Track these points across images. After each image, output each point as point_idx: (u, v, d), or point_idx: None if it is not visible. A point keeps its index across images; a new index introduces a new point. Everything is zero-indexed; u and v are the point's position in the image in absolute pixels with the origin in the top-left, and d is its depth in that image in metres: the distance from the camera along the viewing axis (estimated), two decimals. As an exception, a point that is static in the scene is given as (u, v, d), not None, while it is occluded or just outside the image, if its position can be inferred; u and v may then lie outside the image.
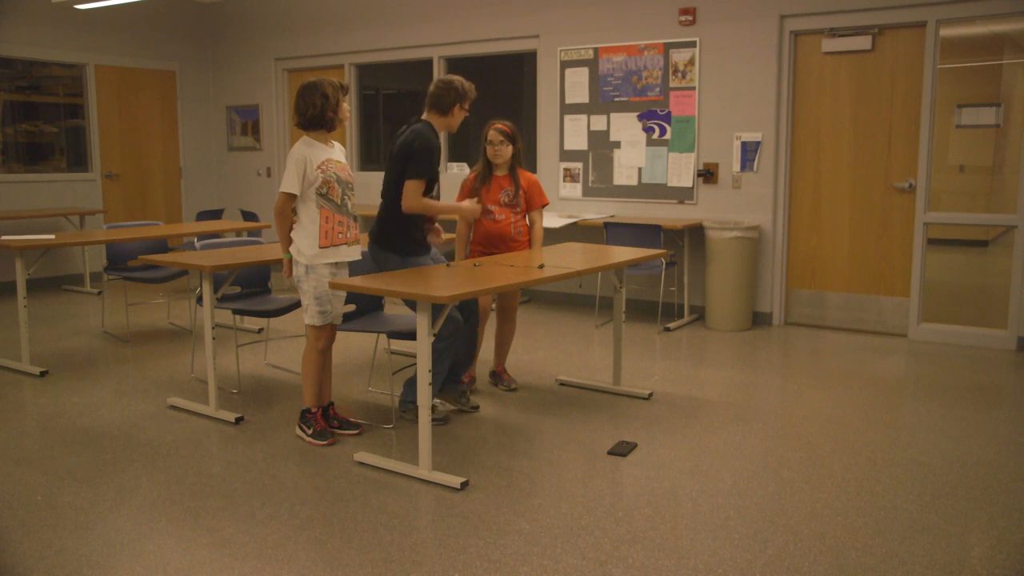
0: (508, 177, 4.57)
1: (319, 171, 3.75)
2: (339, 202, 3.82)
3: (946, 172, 6.01)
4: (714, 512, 3.16)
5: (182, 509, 3.20)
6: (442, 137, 8.11)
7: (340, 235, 3.83)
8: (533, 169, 7.27)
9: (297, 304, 4.60)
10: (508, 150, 4.51)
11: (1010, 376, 5.05)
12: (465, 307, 4.12)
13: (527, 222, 4.67)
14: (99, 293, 7.71)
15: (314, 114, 3.78)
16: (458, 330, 3.99)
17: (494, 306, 4.81)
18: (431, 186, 4.06)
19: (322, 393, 4.02)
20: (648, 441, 3.90)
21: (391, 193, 4.06)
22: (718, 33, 6.35)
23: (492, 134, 4.49)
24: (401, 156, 4.04)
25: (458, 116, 4.16)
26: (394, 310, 4.81)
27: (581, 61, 6.98)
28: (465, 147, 8.04)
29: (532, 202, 4.65)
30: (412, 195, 3.98)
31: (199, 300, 4.40)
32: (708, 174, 6.48)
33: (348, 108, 3.90)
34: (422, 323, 3.37)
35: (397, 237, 4.07)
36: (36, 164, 8.39)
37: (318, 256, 3.79)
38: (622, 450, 3.74)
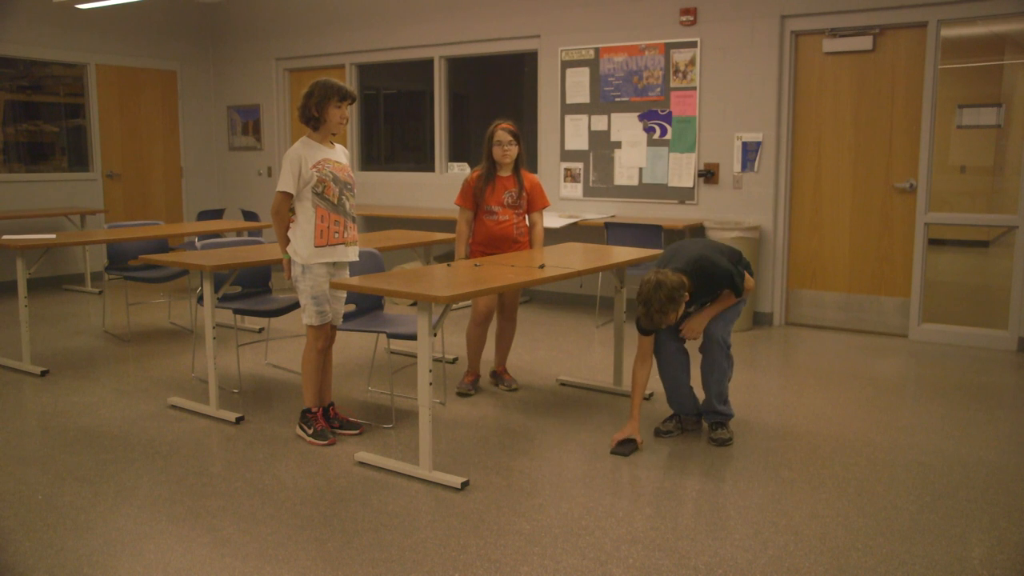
0: (512, 178, 4.57)
1: (314, 170, 3.75)
2: (335, 201, 3.80)
3: (947, 172, 6.01)
4: (715, 512, 3.16)
5: (183, 508, 3.20)
6: (443, 136, 8.12)
7: (336, 235, 3.82)
8: (534, 169, 7.27)
9: (297, 304, 4.60)
10: (515, 150, 4.50)
11: (1011, 376, 5.05)
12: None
13: (527, 223, 4.67)
14: (100, 293, 7.71)
15: (303, 114, 3.77)
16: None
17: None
18: None
19: (322, 393, 4.02)
20: (649, 441, 3.89)
21: None
22: (719, 33, 6.35)
23: (500, 134, 4.47)
24: None
25: None
26: (394, 310, 4.82)
27: (582, 61, 6.98)
28: (466, 147, 8.04)
29: (534, 203, 4.65)
30: None
31: (200, 300, 4.41)
32: (709, 174, 6.48)
33: (343, 114, 3.79)
34: (422, 323, 3.37)
35: None
36: (37, 164, 8.40)
37: (314, 255, 3.79)
38: (623, 450, 3.74)
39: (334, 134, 3.87)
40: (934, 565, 2.74)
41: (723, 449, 3.82)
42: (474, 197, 4.55)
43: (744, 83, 6.27)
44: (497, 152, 4.48)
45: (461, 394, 4.60)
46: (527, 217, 4.66)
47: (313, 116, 3.76)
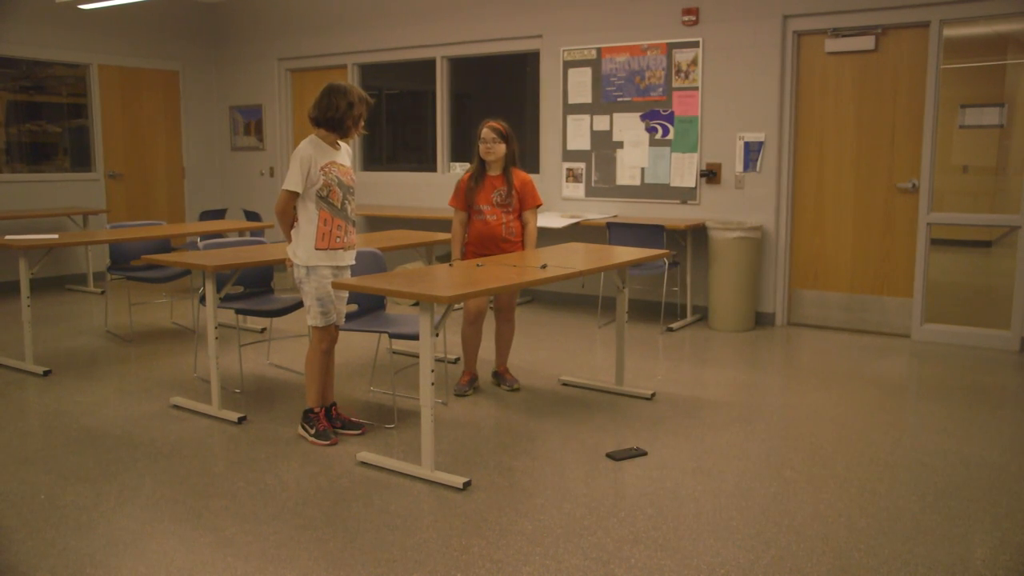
0: (501, 177, 4.56)
1: (321, 173, 3.75)
2: (339, 206, 3.81)
3: (949, 172, 6.00)
4: (717, 512, 3.16)
5: (185, 508, 3.21)
6: (445, 137, 8.11)
7: (338, 239, 3.83)
8: (536, 169, 7.28)
9: (299, 304, 4.61)
10: (501, 148, 4.50)
11: (1013, 377, 5.04)
12: None
13: (520, 223, 4.66)
14: (102, 293, 7.72)
15: (333, 116, 3.76)
16: None
17: (491, 306, 4.81)
18: None
19: (325, 393, 4.03)
20: (651, 441, 3.89)
21: None
22: (721, 33, 6.34)
23: (485, 132, 4.49)
24: None
25: None
26: (396, 310, 4.82)
27: (584, 61, 6.98)
28: (468, 147, 8.04)
29: (525, 202, 4.63)
30: None
31: (202, 300, 4.41)
32: (711, 174, 6.48)
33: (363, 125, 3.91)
34: (424, 323, 3.37)
35: None
36: (39, 164, 8.41)
37: (313, 258, 3.79)
38: (624, 455, 3.72)
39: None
40: (936, 565, 2.74)
41: (725, 449, 3.82)
42: (465, 197, 4.56)
43: (746, 83, 6.27)
44: (482, 149, 4.50)
45: (458, 395, 4.60)
46: (520, 216, 4.65)
47: (347, 126, 3.79)
